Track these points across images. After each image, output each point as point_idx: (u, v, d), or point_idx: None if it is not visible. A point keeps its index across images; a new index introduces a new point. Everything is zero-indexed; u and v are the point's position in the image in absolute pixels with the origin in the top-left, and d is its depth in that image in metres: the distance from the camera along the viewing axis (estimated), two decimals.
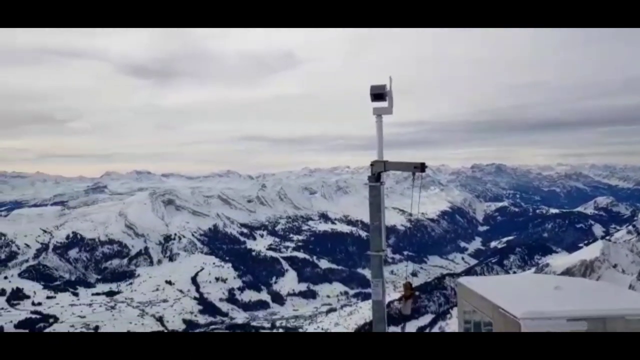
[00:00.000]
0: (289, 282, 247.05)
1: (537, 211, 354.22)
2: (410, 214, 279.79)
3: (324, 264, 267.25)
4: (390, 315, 9.91)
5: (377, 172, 9.02)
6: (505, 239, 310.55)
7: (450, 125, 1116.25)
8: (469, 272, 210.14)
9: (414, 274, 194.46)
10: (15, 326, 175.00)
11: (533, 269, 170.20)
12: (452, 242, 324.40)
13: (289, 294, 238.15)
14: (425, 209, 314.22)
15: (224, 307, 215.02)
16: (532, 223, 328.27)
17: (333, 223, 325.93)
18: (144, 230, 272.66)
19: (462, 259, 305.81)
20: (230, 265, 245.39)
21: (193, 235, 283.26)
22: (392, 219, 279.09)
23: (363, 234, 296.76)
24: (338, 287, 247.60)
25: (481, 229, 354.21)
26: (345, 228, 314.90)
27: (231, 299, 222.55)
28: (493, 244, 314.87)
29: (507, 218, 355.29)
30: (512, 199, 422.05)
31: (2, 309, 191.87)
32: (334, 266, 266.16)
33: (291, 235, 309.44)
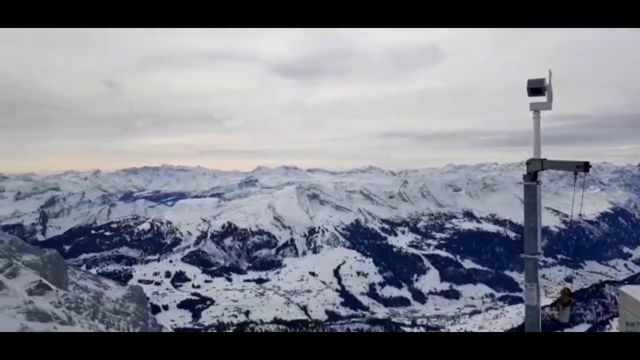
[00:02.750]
0: (430, 280, 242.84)
1: None
2: (566, 215, 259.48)
3: (468, 264, 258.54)
4: (541, 322, 9.27)
5: (534, 171, 8.43)
6: None
7: (612, 119, 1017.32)
8: (633, 280, 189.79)
9: (569, 280, 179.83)
10: (178, 306, 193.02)
11: None
12: (614, 247, 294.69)
13: (430, 293, 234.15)
14: (584, 210, 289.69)
15: (365, 301, 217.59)
16: None
17: (478, 222, 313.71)
18: (290, 222, 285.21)
19: (625, 265, 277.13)
20: (371, 260, 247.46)
21: (336, 229, 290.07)
22: (545, 219, 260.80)
23: (511, 234, 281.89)
24: (483, 288, 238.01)
25: None
26: (491, 227, 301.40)
27: (372, 293, 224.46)
28: None
29: None
30: None
31: (167, 289, 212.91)
32: (478, 267, 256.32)
33: (433, 232, 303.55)
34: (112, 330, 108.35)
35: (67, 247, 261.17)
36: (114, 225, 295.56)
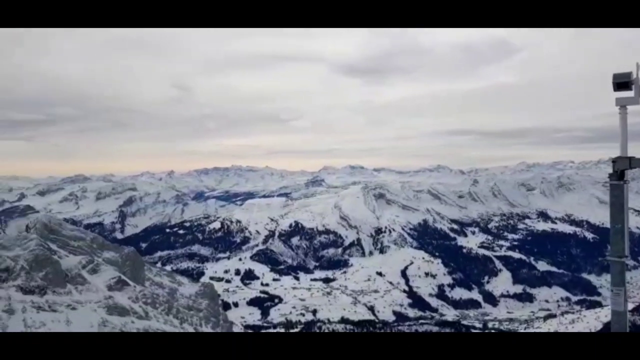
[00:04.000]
0: (502, 282, 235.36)
1: None
2: None
3: (542, 266, 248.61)
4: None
5: (620, 170, 7.93)
6: None
7: None
8: None
9: None
10: (248, 303, 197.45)
11: None
12: None
13: (502, 295, 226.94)
14: None
15: (434, 302, 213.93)
16: None
17: (553, 222, 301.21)
18: (356, 222, 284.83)
19: None
20: (440, 261, 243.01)
21: (403, 229, 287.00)
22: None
23: (589, 235, 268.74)
24: (558, 291, 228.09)
25: None
26: (567, 228, 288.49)
27: (441, 295, 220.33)
28: None
29: None
30: None
31: (237, 287, 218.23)
32: (553, 269, 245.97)
33: (505, 233, 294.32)
34: (185, 325, 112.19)
35: (143, 245, 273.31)
36: (187, 224, 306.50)
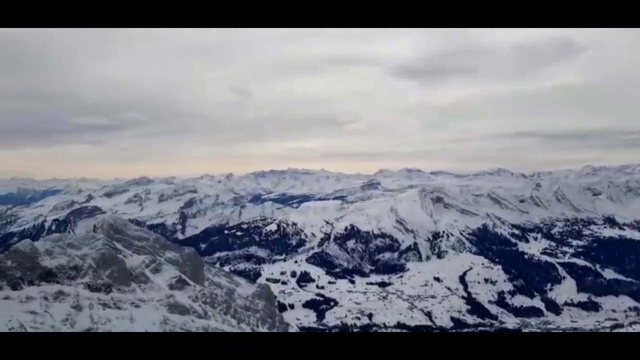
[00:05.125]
0: (566, 290, 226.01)
1: None
2: None
3: (608, 274, 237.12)
4: None
5: None
6: None
7: None
8: None
9: None
10: (303, 305, 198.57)
11: None
12: None
13: (566, 304, 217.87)
14: None
15: (493, 309, 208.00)
16: None
17: (621, 229, 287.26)
18: (413, 226, 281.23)
19: None
20: (500, 267, 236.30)
21: (461, 233, 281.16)
22: None
23: None
24: (626, 301, 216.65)
25: None
26: (636, 235, 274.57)
27: (501, 302, 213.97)
28: None
29: None
30: None
31: (293, 289, 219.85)
32: (621, 277, 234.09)
33: (569, 239, 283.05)
34: (243, 325, 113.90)
35: (203, 246, 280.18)
36: (245, 226, 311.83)
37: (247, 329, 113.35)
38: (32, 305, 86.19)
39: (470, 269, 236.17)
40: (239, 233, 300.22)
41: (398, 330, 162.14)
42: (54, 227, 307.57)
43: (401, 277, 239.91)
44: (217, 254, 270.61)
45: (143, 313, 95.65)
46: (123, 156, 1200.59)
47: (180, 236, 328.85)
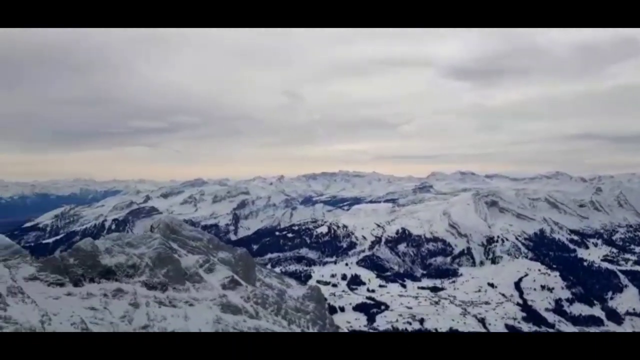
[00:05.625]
0: (628, 299, 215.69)
1: None
2: None
3: None
4: None
5: None
6: None
7: None
8: None
9: None
10: (354, 308, 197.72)
11: None
12: None
13: (628, 313, 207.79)
14: None
15: (550, 317, 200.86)
16: None
17: None
18: (466, 230, 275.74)
19: None
20: (557, 273, 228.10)
21: (517, 238, 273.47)
22: None
23: None
24: None
25: None
26: None
27: (558, 310, 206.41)
28: None
29: None
30: None
31: (344, 291, 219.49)
32: None
33: (632, 246, 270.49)
34: (293, 327, 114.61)
35: (255, 247, 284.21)
36: (296, 228, 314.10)
37: (298, 330, 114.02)
38: (93, 302, 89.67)
39: (526, 275, 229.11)
40: (290, 235, 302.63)
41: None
42: (113, 227, 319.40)
43: (454, 282, 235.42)
44: (269, 255, 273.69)
45: (197, 312, 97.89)
46: (178, 158, 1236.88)
47: (232, 237, 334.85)
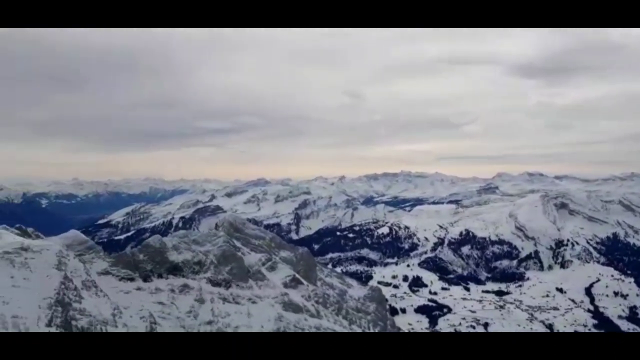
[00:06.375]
0: None
1: None
2: None
3: None
4: None
5: None
6: None
7: None
8: None
9: None
10: (415, 310, 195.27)
11: None
12: None
13: None
14: None
15: (624, 325, 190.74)
16: None
17: None
18: (534, 233, 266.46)
19: None
20: (632, 280, 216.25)
21: (588, 242, 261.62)
22: None
23: None
24: None
25: None
26: None
27: (632, 317, 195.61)
28: None
29: None
30: None
31: (405, 293, 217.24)
32: None
33: None
34: (354, 327, 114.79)
35: (316, 246, 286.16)
36: (356, 228, 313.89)
37: (359, 331, 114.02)
38: (161, 297, 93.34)
39: (598, 280, 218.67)
40: (351, 235, 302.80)
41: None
42: (180, 224, 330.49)
43: (520, 286, 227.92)
44: (330, 255, 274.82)
45: (259, 309, 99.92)
46: (242, 158, 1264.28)
47: (294, 236, 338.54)
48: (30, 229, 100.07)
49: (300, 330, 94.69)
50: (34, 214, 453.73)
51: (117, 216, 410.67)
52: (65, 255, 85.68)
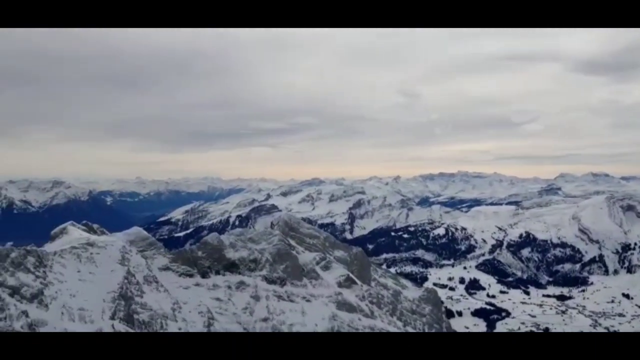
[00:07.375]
0: None
1: None
2: None
3: None
4: None
5: None
6: None
7: None
8: None
9: None
10: (472, 313, 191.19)
11: None
12: None
13: None
14: None
15: None
16: None
17: None
18: (598, 236, 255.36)
19: None
20: None
21: None
22: None
23: None
24: None
25: None
26: None
27: None
28: None
29: None
30: None
31: (462, 295, 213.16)
32: None
33: None
34: (409, 328, 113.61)
35: (370, 246, 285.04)
36: (412, 229, 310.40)
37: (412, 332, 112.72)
38: (218, 293, 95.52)
39: None
40: (405, 235, 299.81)
41: None
42: (237, 223, 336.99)
43: (583, 291, 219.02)
44: (384, 255, 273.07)
45: (314, 307, 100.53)
46: (297, 158, 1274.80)
47: (348, 236, 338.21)
48: (95, 225, 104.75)
49: (354, 330, 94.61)
50: (99, 211, 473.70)
51: (177, 214, 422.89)
52: (128, 251, 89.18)
